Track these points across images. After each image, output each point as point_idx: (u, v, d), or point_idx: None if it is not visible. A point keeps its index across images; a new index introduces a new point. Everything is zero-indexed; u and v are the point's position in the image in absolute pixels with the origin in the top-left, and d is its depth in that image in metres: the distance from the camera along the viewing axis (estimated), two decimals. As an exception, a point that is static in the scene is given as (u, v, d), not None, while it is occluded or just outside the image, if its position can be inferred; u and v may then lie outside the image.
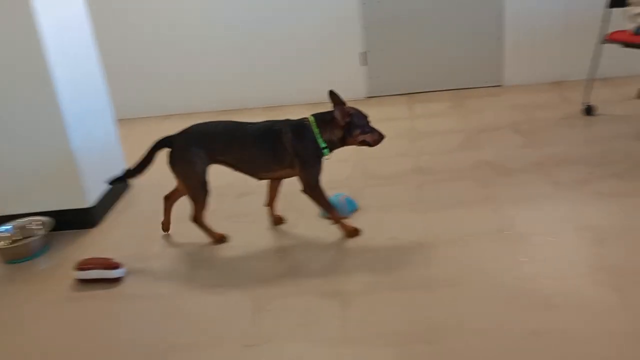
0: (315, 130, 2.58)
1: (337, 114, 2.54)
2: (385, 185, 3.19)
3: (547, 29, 4.41)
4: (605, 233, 2.50)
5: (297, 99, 4.67)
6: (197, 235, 2.77)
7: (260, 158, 2.63)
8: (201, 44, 4.71)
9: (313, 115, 2.63)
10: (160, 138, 2.66)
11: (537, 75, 4.54)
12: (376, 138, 2.62)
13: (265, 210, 2.90)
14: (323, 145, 2.58)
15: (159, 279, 2.56)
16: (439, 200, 2.93)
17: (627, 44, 3.46)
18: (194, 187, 2.66)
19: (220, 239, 2.78)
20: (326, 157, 2.62)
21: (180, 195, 2.84)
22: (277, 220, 2.89)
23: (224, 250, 2.72)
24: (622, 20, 3.53)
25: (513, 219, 2.69)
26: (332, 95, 2.56)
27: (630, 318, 2.01)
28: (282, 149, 2.58)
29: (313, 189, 2.62)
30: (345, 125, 2.56)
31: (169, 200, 2.88)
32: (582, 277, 2.25)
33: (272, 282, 2.44)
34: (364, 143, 2.62)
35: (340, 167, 3.40)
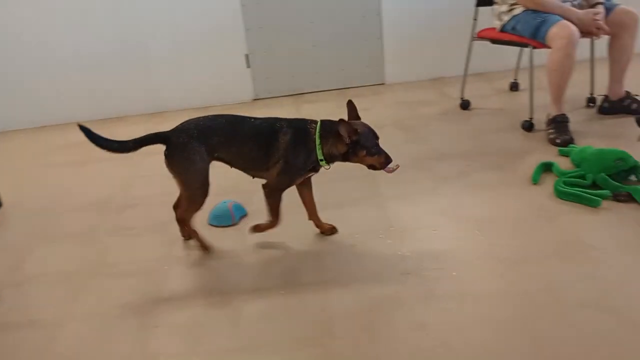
0: (317, 140, 2.37)
1: (342, 131, 2.30)
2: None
3: (423, 28, 4.57)
4: (484, 223, 2.61)
5: (182, 104, 4.56)
6: (67, 256, 2.62)
7: (255, 155, 2.45)
8: (73, 51, 4.47)
9: (322, 121, 2.40)
10: (154, 133, 2.43)
11: (417, 72, 4.70)
12: (382, 162, 2.38)
13: (154, 221, 2.79)
14: (321, 157, 2.38)
15: (33, 305, 2.40)
16: (326, 200, 2.94)
17: (495, 41, 3.64)
18: (194, 187, 2.46)
19: (206, 247, 2.62)
20: (325, 167, 2.44)
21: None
22: (330, 230, 2.67)
23: (103, 267, 2.59)
24: (491, 17, 3.71)
25: (397, 214, 2.76)
26: (350, 105, 2.43)
27: (510, 303, 2.11)
28: (275, 148, 2.40)
29: (274, 193, 2.49)
30: (351, 143, 2.35)
31: (180, 207, 2.71)
32: (463, 267, 2.34)
33: (157, 298, 2.35)
34: (369, 166, 2.42)
35: (228, 172, 3.34)
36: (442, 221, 2.67)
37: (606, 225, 2.53)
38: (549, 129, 3.38)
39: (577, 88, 3.76)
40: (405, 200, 2.89)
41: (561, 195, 2.74)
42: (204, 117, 2.50)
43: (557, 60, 3.24)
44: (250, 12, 4.48)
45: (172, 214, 2.71)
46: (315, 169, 2.47)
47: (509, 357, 1.88)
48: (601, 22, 3.31)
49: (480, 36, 3.74)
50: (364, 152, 2.36)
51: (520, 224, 2.59)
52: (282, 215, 2.52)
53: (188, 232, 2.65)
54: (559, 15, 3.29)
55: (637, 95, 3.59)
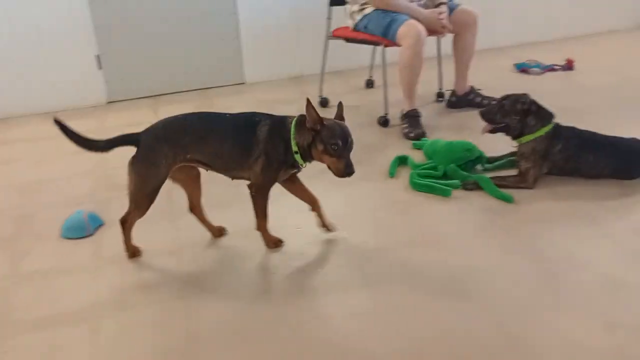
0: (292, 130, 2.26)
1: (307, 113, 2.19)
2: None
3: (281, 27, 4.60)
4: (345, 217, 2.67)
5: (26, 109, 4.23)
6: None
7: (235, 152, 2.31)
8: None
9: (300, 115, 2.29)
10: (126, 134, 2.29)
11: (277, 71, 4.72)
12: (340, 168, 2.21)
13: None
14: (295, 149, 2.27)
15: None
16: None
17: (349, 40, 3.74)
18: (143, 193, 2.31)
19: (134, 252, 2.47)
20: (302, 165, 2.34)
21: (199, 196, 2.52)
22: (330, 227, 2.56)
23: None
24: (344, 17, 3.80)
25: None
26: (339, 107, 2.34)
27: (371, 296, 2.18)
28: (254, 143, 2.27)
29: (261, 191, 2.36)
30: (313, 132, 2.21)
31: (196, 209, 2.54)
32: (326, 262, 2.38)
33: (4, 321, 2.16)
34: (331, 170, 2.26)
35: (82, 180, 3.16)
36: (306, 219, 2.70)
37: (458, 213, 2.69)
38: (403, 124, 3.54)
39: (427, 84, 3.97)
40: (269, 200, 2.87)
41: (416, 186, 2.88)
42: (174, 116, 2.35)
43: (406, 58, 3.40)
44: (99, 9, 4.26)
45: (19, 229, 2.50)
46: (295, 165, 2.34)
47: (374, 348, 1.94)
48: (445, 21, 3.51)
49: (335, 35, 3.83)
50: (322, 148, 2.21)
51: (379, 217, 2.68)
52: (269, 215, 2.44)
53: (125, 236, 2.46)
54: (406, 14, 3.45)
55: (480, 89, 3.85)
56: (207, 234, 2.60)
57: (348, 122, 3.24)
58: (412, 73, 3.45)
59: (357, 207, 2.81)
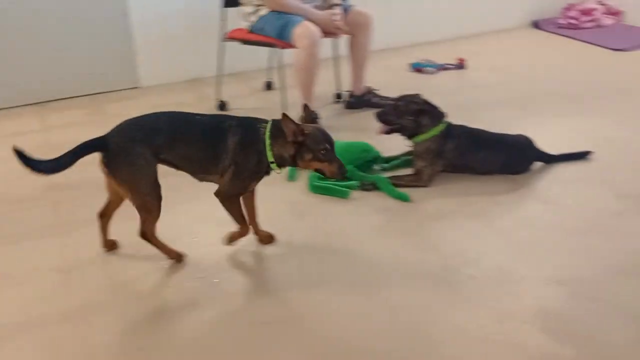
0: (267, 141, 2.16)
1: (285, 127, 2.10)
2: (19, 210, 2.83)
3: (176, 28, 4.45)
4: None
5: None
6: None
7: (202, 156, 2.21)
8: None
9: (274, 120, 2.20)
10: (87, 140, 2.12)
11: (172, 74, 4.57)
12: (334, 171, 2.19)
13: None
14: (271, 159, 2.18)
15: None
16: (77, 218, 2.72)
17: (245, 42, 3.68)
18: (144, 195, 2.19)
19: (177, 257, 2.37)
20: (276, 171, 2.24)
21: (117, 207, 2.36)
22: (267, 239, 2.49)
23: None
24: (239, 18, 3.74)
25: (160, 227, 2.65)
26: (306, 109, 2.31)
27: (272, 302, 2.14)
28: (223, 150, 2.17)
29: (230, 199, 2.27)
30: (297, 144, 2.14)
31: (105, 217, 2.40)
32: (224, 271, 2.33)
33: None
34: (318, 172, 2.23)
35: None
36: (202, 228, 2.63)
37: (356, 215, 2.70)
38: (301, 126, 3.52)
39: (325, 85, 3.98)
40: (164, 210, 2.77)
41: (314, 189, 2.87)
42: (143, 115, 2.25)
43: (302, 60, 3.38)
44: (-26, 11, 3.96)
45: None
46: (268, 172, 2.26)
47: (268, 355, 1.91)
48: (340, 23, 3.53)
49: (231, 37, 3.76)
50: (310, 156, 2.15)
51: (279, 221, 2.65)
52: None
53: (157, 246, 2.34)
54: (301, 16, 3.44)
55: (376, 89, 3.90)
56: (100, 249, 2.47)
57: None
58: (309, 75, 3.44)
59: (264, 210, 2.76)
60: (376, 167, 3.07)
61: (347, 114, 3.88)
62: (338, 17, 3.53)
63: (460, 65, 4.57)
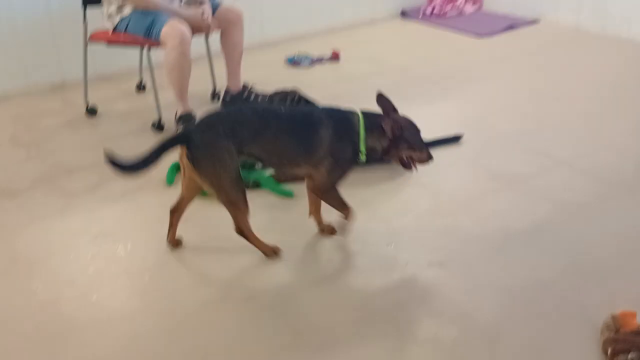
0: (362, 132, 2.22)
1: (387, 128, 2.21)
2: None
3: (33, 29, 4.15)
4: (121, 234, 2.51)
5: None
6: None
7: (293, 149, 2.22)
8: None
9: (364, 113, 2.26)
10: (172, 135, 2.17)
11: (34, 80, 4.26)
12: (424, 159, 2.30)
13: None
14: (362, 149, 2.24)
15: None
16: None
17: (111, 43, 3.50)
18: (229, 191, 2.18)
19: (273, 251, 2.35)
20: (360, 161, 2.28)
21: (188, 204, 2.37)
22: (330, 230, 2.49)
23: None
24: (102, 19, 3.55)
25: (25, 245, 2.46)
26: (381, 99, 2.26)
27: (148, 316, 2.05)
28: (317, 142, 2.19)
29: (328, 191, 2.31)
30: (394, 138, 2.22)
31: (177, 212, 2.38)
32: (102, 288, 2.20)
33: None
34: (407, 160, 2.31)
35: None
36: (78, 242, 2.48)
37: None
38: (178, 127, 3.41)
39: (201, 83, 3.88)
40: (31, 227, 2.59)
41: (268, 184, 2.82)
42: (227, 109, 2.24)
43: (173, 59, 3.27)
44: None
45: None
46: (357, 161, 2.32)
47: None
48: (209, 20, 3.44)
49: (94, 39, 3.55)
50: (407, 147, 2.26)
51: (159, 228, 2.54)
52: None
53: (253, 242, 2.32)
54: (168, 14, 3.32)
55: (252, 86, 3.85)
56: None
57: (119, 131, 3.06)
58: (181, 74, 3.33)
59: (135, 220, 2.64)
60: (258, 165, 3.02)
61: (225, 112, 3.80)
62: (207, 14, 3.44)
63: (334, 57, 4.62)
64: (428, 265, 2.31)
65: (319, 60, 4.59)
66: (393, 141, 2.25)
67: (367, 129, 2.24)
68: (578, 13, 5.15)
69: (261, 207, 2.69)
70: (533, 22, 5.38)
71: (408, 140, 2.26)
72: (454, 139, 3.24)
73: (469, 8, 5.75)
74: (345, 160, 2.27)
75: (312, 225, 2.56)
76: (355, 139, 2.24)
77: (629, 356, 1.75)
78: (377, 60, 4.67)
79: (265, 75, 4.18)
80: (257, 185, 2.82)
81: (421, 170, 2.95)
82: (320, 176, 2.27)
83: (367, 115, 2.28)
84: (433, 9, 5.66)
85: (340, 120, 2.26)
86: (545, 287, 2.17)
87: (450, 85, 4.12)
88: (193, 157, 2.14)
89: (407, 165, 2.33)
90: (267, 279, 2.26)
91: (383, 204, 2.73)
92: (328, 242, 2.45)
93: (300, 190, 2.79)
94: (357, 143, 2.24)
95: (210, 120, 2.22)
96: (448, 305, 2.10)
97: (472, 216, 2.61)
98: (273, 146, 2.24)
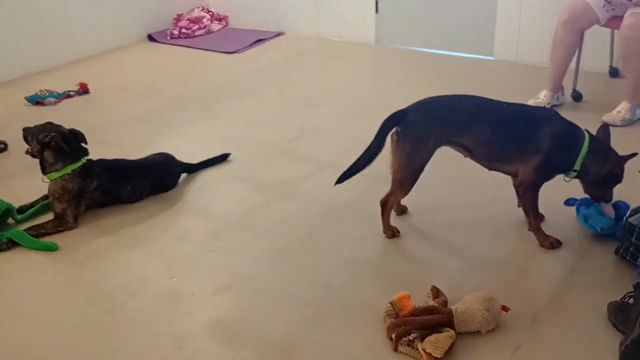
0: (584, 150, 2.23)
1: (617, 168, 2.27)
2: None
3: None
4: None
5: None
6: None
7: (509, 144, 2.26)
8: None
9: (590, 134, 2.28)
10: (391, 115, 2.27)
11: None
12: (609, 196, 2.32)
13: None
14: (577, 167, 2.25)
15: None
16: None
17: None
18: (409, 172, 2.30)
19: (393, 233, 2.45)
20: (566, 179, 2.34)
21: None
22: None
23: None
24: None
25: None
26: (605, 130, 2.34)
27: None
28: (533, 139, 2.23)
29: (531, 190, 2.31)
30: (609, 174, 2.26)
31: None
32: None
33: None
34: (598, 195, 2.32)
35: None
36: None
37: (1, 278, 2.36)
38: None
39: None
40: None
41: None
42: (448, 95, 2.32)
43: None
44: None
45: None
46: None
47: None
48: None
49: None
50: (612, 184, 2.29)
51: None
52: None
53: (384, 219, 2.45)
54: None
55: None
56: None
57: None
58: None
59: None
60: (10, 221, 2.71)
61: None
62: None
63: (83, 90, 4.32)
64: (215, 291, 2.26)
65: (66, 95, 4.25)
66: (606, 175, 2.28)
67: (590, 150, 2.26)
68: (317, 24, 5.49)
69: (23, 266, 2.41)
70: (278, 34, 5.60)
71: (617, 177, 2.30)
72: (222, 158, 3.23)
73: (216, 26, 5.81)
74: (555, 162, 2.28)
75: (85, 274, 2.36)
76: (575, 150, 2.26)
77: (410, 337, 1.89)
78: (129, 86, 4.48)
79: (3, 119, 3.78)
80: (14, 243, 2.52)
81: (193, 195, 2.92)
82: (527, 172, 2.29)
83: (593, 138, 2.30)
84: (180, 30, 5.61)
85: (568, 125, 2.30)
86: (328, 287, 2.25)
87: (209, 103, 4.11)
88: (399, 134, 2.26)
89: (596, 199, 2.35)
90: None
91: (159, 239, 2.61)
92: (102, 289, 2.27)
93: (68, 239, 2.56)
94: (572, 157, 2.26)
95: (427, 104, 2.31)
96: (241, 329, 2.07)
97: (250, 231, 2.62)
98: (489, 139, 2.28)
